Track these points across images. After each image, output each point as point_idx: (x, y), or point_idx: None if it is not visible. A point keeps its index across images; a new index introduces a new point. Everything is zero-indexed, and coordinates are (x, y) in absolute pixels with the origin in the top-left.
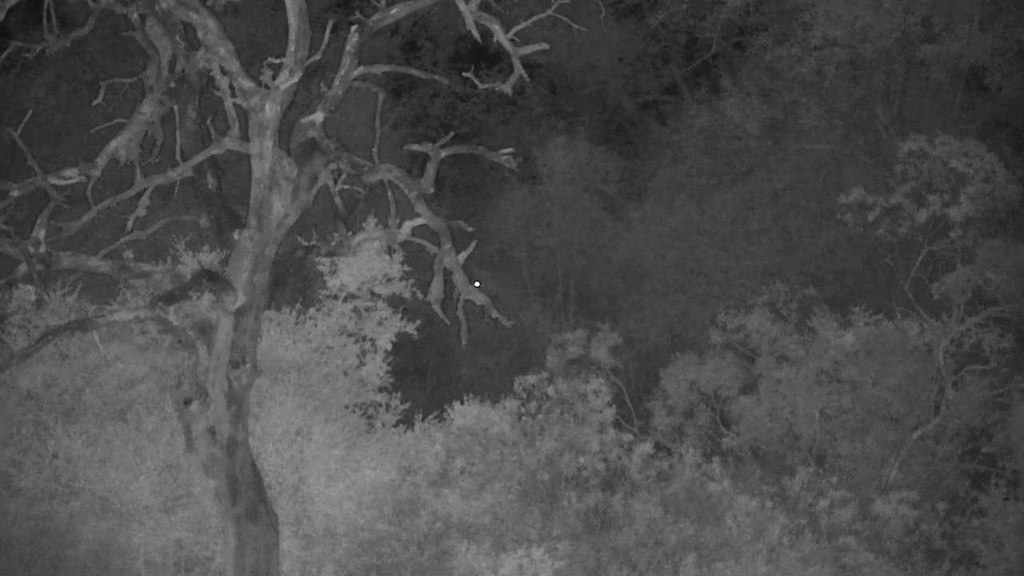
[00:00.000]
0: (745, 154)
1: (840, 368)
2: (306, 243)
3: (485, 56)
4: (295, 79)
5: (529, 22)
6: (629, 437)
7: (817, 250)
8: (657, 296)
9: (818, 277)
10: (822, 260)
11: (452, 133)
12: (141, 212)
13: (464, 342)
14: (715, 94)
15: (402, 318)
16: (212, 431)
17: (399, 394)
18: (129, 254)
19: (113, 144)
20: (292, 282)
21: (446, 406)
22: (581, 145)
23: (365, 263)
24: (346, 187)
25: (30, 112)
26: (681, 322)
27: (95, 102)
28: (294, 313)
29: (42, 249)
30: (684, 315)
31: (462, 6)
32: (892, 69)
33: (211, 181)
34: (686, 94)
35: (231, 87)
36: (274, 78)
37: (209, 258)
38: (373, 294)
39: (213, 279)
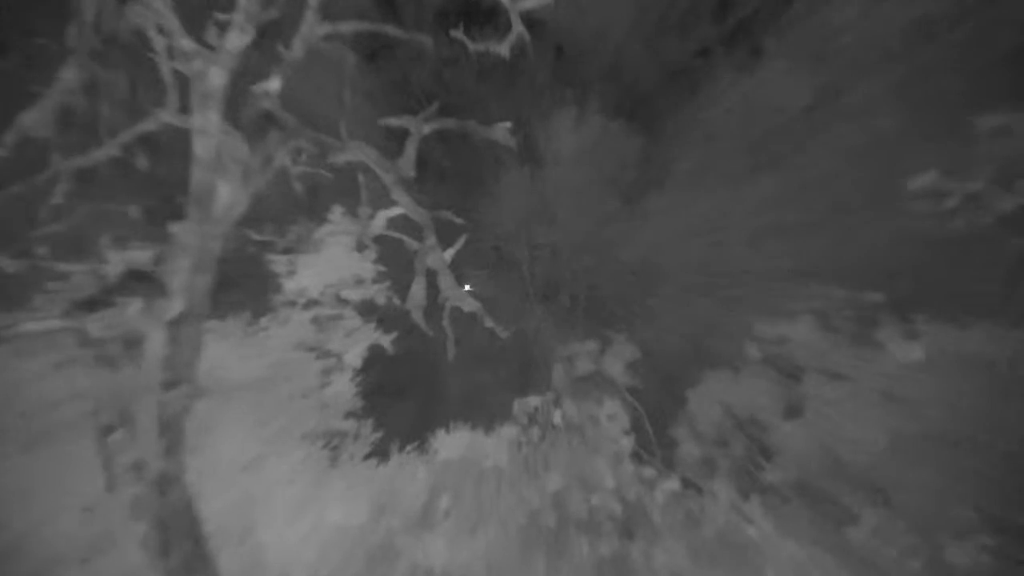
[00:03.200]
0: (789, 131)
1: (905, 387)
2: (258, 237)
3: (478, 12)
4: (246, 39)
5: None
6: (651, 472)
7: (877, 247)
8: (680, 302)
9: (877, 280)
10: (883, 259)
11: (437, 104)
12: (58, 200)
13: (451, 357)
14: (756, 57)
15: (375, 329)
16: (139, 466)
17: (371, 421)
18: (43, 251)
19: (25, 118)
20: (242, 285)
21: (429, 434)
22: (592, 120)
23: (330, 262)
24: (308, 170)
25: None
26: (710, 332)
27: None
28: (243, 323)
29: None
30: (713, 325)
31: None
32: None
33: (143, 162)
34: (719, 59)
35: (169, 49)
36: (221, 38)
37: (140, 256)
38: (340, 300)
39: (143, 281)
